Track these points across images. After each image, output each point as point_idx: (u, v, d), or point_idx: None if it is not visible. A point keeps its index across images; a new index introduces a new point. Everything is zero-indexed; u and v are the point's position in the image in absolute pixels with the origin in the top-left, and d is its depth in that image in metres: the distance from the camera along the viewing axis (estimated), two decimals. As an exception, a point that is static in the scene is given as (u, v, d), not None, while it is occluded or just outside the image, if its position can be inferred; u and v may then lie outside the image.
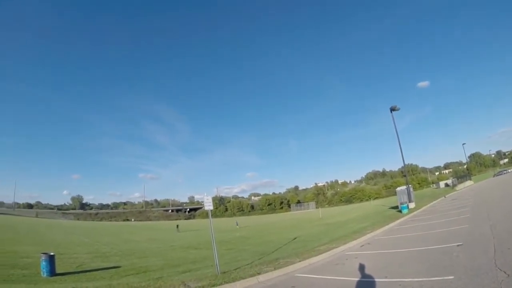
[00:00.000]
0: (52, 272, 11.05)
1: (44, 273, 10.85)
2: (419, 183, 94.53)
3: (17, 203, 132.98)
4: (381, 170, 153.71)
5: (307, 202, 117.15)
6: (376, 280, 7.31)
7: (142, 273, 11.54)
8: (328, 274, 8.95)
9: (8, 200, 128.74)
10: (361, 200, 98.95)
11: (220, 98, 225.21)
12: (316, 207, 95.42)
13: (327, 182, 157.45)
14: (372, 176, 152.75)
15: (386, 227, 19.07)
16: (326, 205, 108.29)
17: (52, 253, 11.39)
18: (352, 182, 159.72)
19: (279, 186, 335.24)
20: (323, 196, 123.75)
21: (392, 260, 9.61)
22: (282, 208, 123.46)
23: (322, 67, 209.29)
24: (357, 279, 7.74)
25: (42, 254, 11.20)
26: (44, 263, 10.95)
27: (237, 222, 51.17)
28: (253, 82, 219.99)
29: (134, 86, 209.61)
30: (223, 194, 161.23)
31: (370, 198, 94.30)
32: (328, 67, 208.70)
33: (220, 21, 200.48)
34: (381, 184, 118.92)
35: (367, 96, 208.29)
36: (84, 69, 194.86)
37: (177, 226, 52.41)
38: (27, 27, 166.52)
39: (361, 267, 8.77)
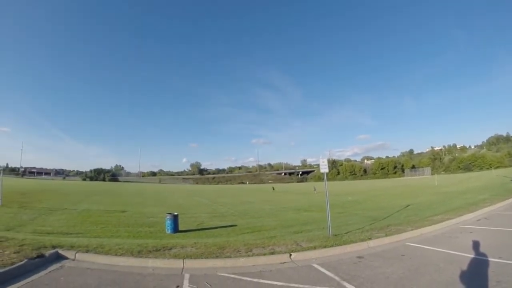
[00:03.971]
0: (175, 229, 12.20)
1: (168, 230, 12.06)
2: (549, 152, 79.71)
3: (142, 172, 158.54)
4: (504, 134, 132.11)
5: (422, 167, 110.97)
6: (489, 259, 7.17)
7: (257, 231, 12.26)
8: (440, 246, 8.90)
9: (135, 170, 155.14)
10: (481, 169, 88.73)
11: (331, 59, 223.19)
12: (432, 173, 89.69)
13: (444, 146, 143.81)
14: (495, 141, 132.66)
15: (507, 201, 17.95)
16: (442, 172, 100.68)
17: (176, 213, 12.52)
18: (472, 147, 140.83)
19: (393, 149, 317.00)
20: (439, 161, 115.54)
21: (509, 239, 9.46)
22: (395, 173, 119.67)
23: (439, 15, 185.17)
24: (469, 255, 7.68)
25: (167, 214, 12.38)
26: (168, 221, 12.13)
27: (314, 187, 51.32)
28: (365, 37, 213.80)
29: (246, 56, 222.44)
30: (335, 157, 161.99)
31: (491, 167, 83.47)
32: (446, 14, 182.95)
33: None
34: (504, 151, 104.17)
35: (490, 47, 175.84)
36: (200, 43, 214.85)
37: (273, 188, 59.81)
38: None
39: (475, 244, 8.58)
